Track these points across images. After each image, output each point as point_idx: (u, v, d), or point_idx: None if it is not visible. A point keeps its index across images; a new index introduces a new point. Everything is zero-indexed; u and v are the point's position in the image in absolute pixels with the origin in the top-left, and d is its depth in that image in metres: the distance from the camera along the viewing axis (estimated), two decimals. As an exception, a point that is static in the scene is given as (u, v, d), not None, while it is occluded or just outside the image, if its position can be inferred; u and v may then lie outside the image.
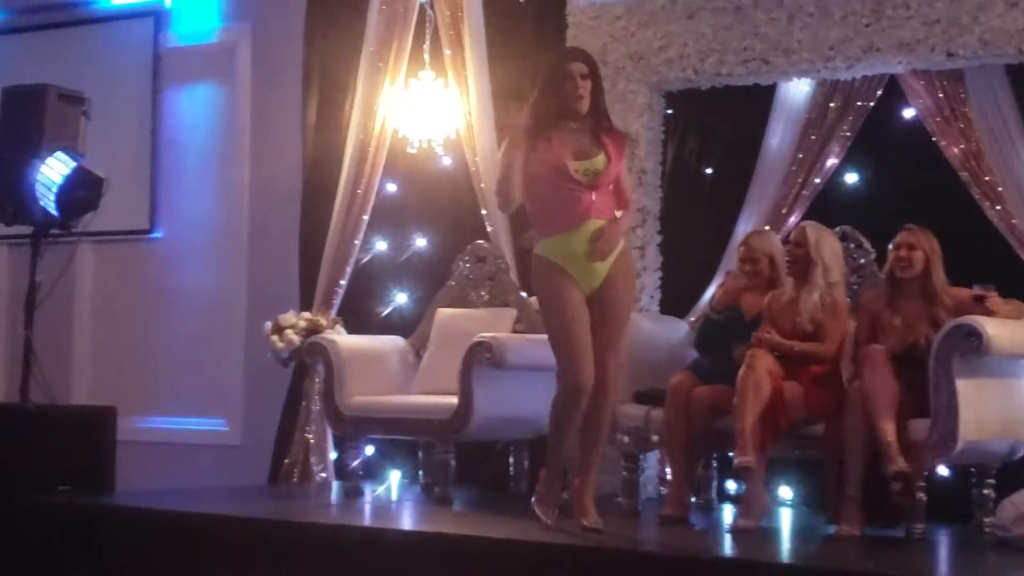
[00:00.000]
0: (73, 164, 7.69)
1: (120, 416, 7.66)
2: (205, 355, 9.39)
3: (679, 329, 7.04)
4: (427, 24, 8.32)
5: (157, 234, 9.64)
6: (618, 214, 5.93)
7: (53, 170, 7.64)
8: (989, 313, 6.03)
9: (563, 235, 5.86)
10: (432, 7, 8.31)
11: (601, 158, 5.85)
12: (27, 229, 7.78)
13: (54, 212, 7.65)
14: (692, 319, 7.21)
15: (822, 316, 6.32)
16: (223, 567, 6.22)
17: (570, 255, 5.85)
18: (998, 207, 6.80)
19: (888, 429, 5.86)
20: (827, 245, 6.41)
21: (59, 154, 7.67)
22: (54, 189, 7.61)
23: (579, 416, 5.89)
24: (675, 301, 7.48)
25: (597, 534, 5.70)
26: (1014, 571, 5.28)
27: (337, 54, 8.62)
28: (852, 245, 6.87)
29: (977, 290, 6.16)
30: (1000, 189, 6.80)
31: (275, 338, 8.13)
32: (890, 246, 6.29)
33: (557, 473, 6.06)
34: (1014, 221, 6.76)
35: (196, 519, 6.45)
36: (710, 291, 7.18)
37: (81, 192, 7.73)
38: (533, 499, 6.11)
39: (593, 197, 5.82)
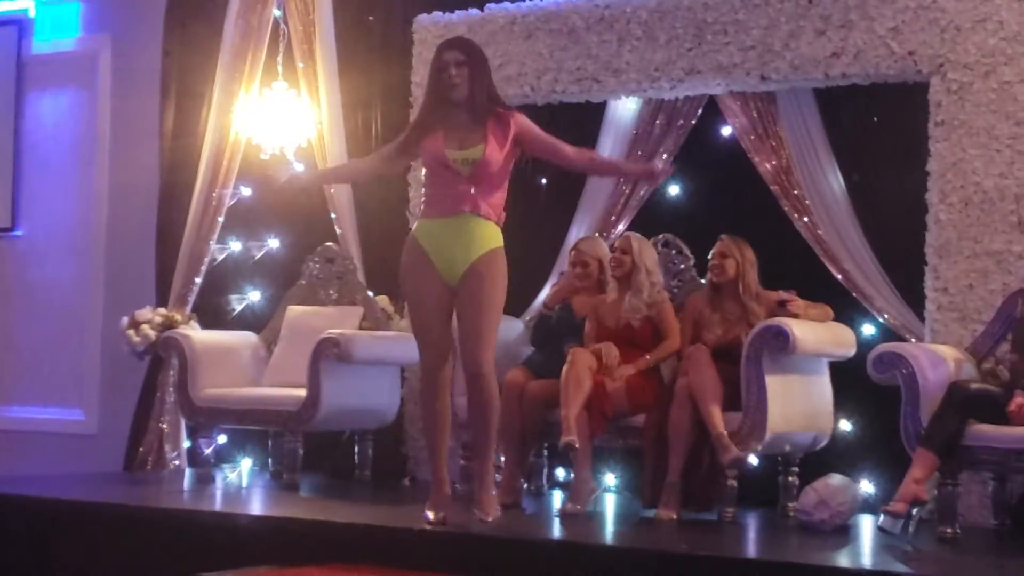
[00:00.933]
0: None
1: (-21, 406, 7.52)
2: (64, 348, 9.23)
3: (515, 327, 7.08)
4: (281, 37, 8.27)
5: (18, 231, 9.45)
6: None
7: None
8: (793, 315, 6.18)
9: (435, 220, 5.60)
10: (286, 22, 8.27)
11: (480, 148, 5.49)
12: None
13: (-83, 211, 7.48)
14: (527, 318, 7.26)
15: (651, 313, 6.45)
16: (78, 552, 6.13)
17: (436, 241, 5.58)
18: (805, 219, 6.95)
19: (718, 421, 5.98)
20: (649, 253, 6.58)
21: (-78, 155, 7.51)
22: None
23: (438, 410, 5.68)
24: (511, 301, 7.48)
25: (485, 526, 5.54)
26: (815, 551, 5.40)
27: (194, 64, 8.52)
28: (673, 252, 6.98)
29: (781, 295, 6.32)
30: (807, 202, 6.95)
31: (131, 332, 8.03)
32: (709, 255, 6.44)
33: (433, 468, 5.79)
34: (820, 231, 6.91)
35: (51, 504, 6.35)
36: (545, 291, 7.26)
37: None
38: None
39: (472, 190, 5.51)
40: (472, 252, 5.54)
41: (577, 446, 6.09)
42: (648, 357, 6.44)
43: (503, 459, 6.45)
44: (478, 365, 5.56)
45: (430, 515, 5.64)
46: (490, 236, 5.58)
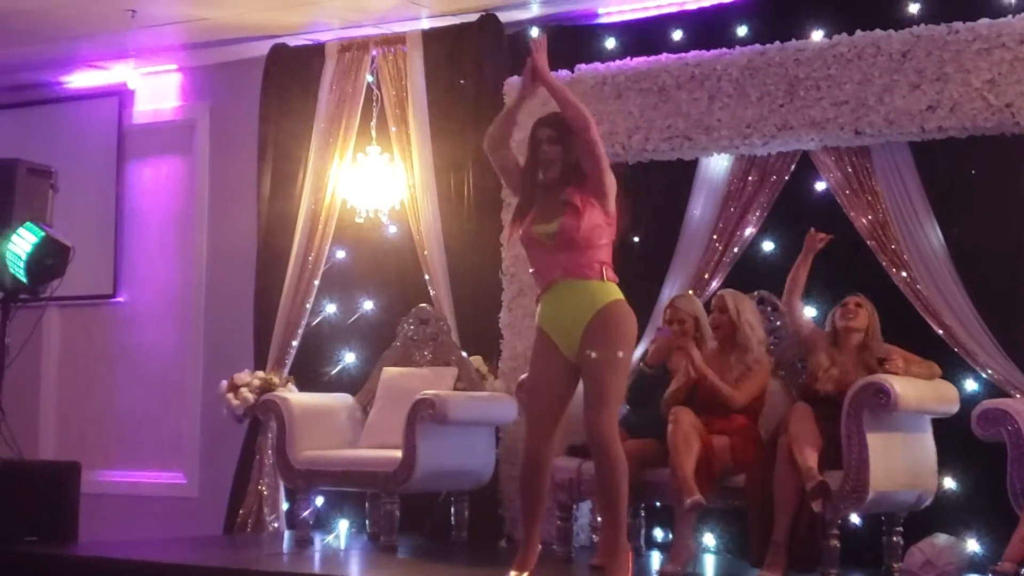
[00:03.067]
0: (41, 234, 7.65)
1: (84, 470, 7.59)
2: (164, 412, 9.30)
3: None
4: (374, 103, 8.33)
5: (120, 298, 9.55)
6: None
7: (23, 239, 7.61)
8: (894, 372, 6.07)
9: (543, 297, 5.53)
10: (379, 87, 8.32)
11: (556, 222, 5.41)
12: (-2, 295, 7.72)
13: (23, 279, 7.61)
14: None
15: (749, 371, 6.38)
16: (180, 614, 6.13)
17: (550, 317, 5.50)
18: (904, 273, 6.82)
19: (809, 457, 5.89)
20: (747, 308, 6.50)
21: (28, 225, 7.64)
22: (23, 258, 7.58)
23: (533, 475, 5.54)
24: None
25: None
26: (922, 613, 5.26)
27: (290, 130, 8.59)
28: (769, 308, 6.89)
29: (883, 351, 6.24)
30: (905, 257, 6.82)
31: (230, 396, 8.05)
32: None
33: (524, 530, 5.66)
34: (919, 287, 6.77)
35: (154, 568, 6.39)
36: (641, 349, 7.16)
37: (49, 260, 7.69)
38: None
39: (560, 258, 5.43)
40: (583, 316, 5.42)
41: (704, 504, 5.97)
42: (709, 374, 6.34)
43: (600, 519, 6.34)
44: (598, 431, 5.41)
45: (512, 574, 5.53)
46: (599, 293, 5.45)
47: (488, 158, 5.81)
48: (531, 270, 5.71)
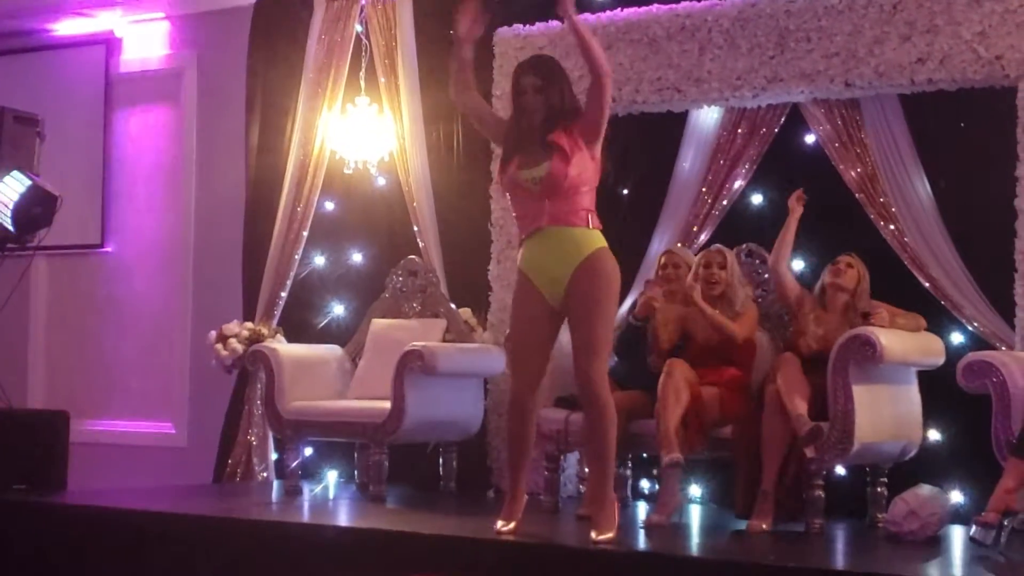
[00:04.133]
0: (28, 183, 7.66)
1: (72, 419, 7.64)
2: (153, 362, 9.33)
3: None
4: (363, 53, 8.32)
5: (108, 248, 9.57)
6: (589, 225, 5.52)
7: (9, 188, 7.61)
8: (878, 325, 6.12)
9: (527, 242, 5.54)
10: (367, 37, 8.31)
11: (544, 165, 5.41)
12: (-16, 244, 7.74)
13: (10, 228, 7.62)
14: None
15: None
16: (169, 562, 6.18)
17: (533, 263, 5.52)
18: (892, 226, 6.85)
19: (799, 405, 5.94)
20: (738, 267, 6.54)
21: (15, 173, 7.64)
22: (10, 206, 7.59)
23: (519, 424, 5.61)
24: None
25: (606, 545, 5.35)
26: (905, 563, 5.32)
27: (278, 81, 8.58)
28: (757, 261, 6.92)
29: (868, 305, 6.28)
30: (894, 210, 6.85)
31: (219, 346, 8.09)
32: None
33: (510, 480, 5.74)
34: (907, 239, 6.81)
35: (143, 516, 6.42)
36: (629, 301, 7.20)
37: (36, 209, 7.70)
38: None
39: (545, 204, 5.43)
40: (569, 264, 5.44)
41: (683, 462, 6.04)
42: (707, 309, 6.37)
43: (587, 470, 6.40)
44: (588, 381, 5.45)
45: (499, 524, 5.60)
46: (585, 240, 5.47)
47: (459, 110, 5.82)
48: (514, 215, 5.72)
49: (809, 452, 5.96)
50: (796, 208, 6.47)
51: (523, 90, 5.54)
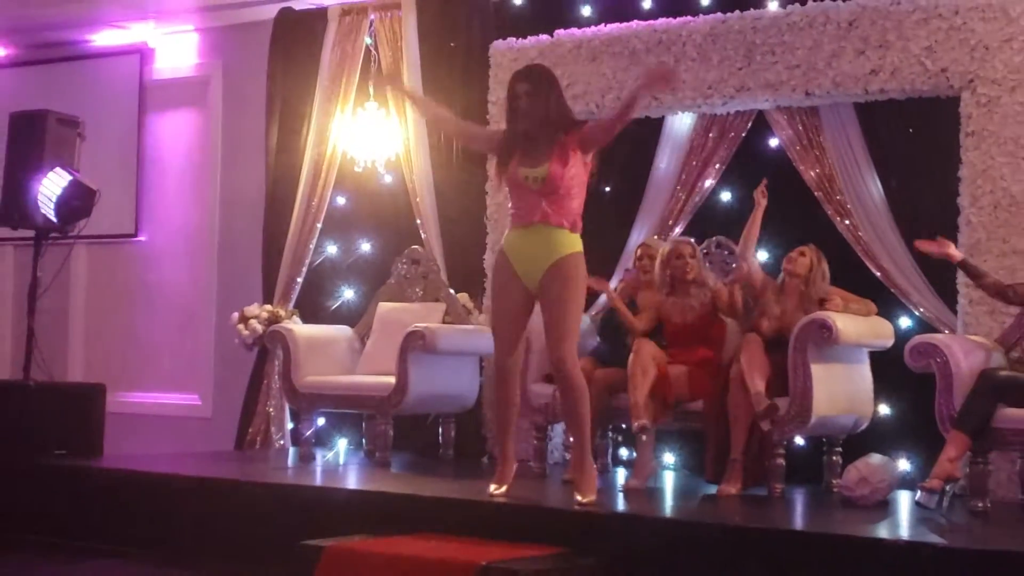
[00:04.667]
0: (69, 178, 7.64)
1: (108, 392, 7.63)
2: (181, 340, 9.31)
3: (584, 321, 7.02)
4: (372, 62, 8.30)
5: (141, 237, 9.54)
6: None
7: (52, 183, 7.59)
8: (833, 310, 6.11)
9: (517, 230, 5.57)
10: (376, 49, 8.29)
11: (545, 167, 5.44)
12: (30, 233, 7.79)
13: (53, 219, 7.62)
14: (594, 312, 7.20)
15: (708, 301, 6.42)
16: (194, 521, 6.17)
17: (517, 249, 5.56)
18: (847, 221, 6.84)
19: (758, 383, 5.93)
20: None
21: (57, 170, 7.63)
22: (53, 199, 7.58)
23: (503, 393, 5.65)
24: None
25: (589, 507, 5.37)
26: (857, 524, 5.31)
27: (295, 87, 8.55)
28: (726, 252, 6.91)
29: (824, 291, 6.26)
30: (849, 207, 6.84)
31: (241, 327, 8.08)
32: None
33: (500, 446, 5.75)
34: (860, 233, 6.80)
35: (172, 479, 6.43)
36: (612, 285, 7.17)
37: (76, 202, 7.67)
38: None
39: (543, 202, 5.47)
40: (548, 258, 5.50)
41: (649, 427, 6.03)
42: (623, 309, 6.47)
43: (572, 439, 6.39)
44: (561, 359, 5.49)
45: (492, 488, 5.62)
46: (565, 243, 5.52)
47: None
48: (511, 207, 5.70)
49: (765, 426, 5.96)
50: (761, 201, 6.44)
51: (517, 95, 5.56)
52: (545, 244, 5.51)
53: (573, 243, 5.54)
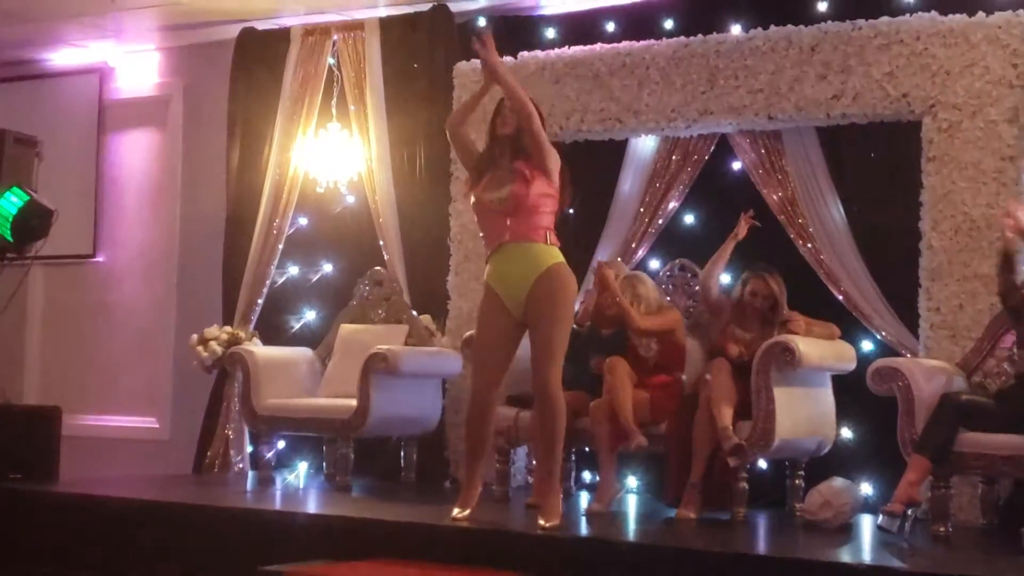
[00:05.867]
0: (27, 197, 7.57)
1: (64, 414, 7.53)
2: (139, 362, 9.24)
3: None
4: (335, 83, 8.29)
5: (99, 258, 9.48)
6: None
7: (9, 203, 7.51)
8: (795, 333, 6.13)
9: (493, 257, 5.54)
10: (339, 69, 8.29)
11: (507, 188, 5.44)
12: (-15, 253, 7.67)
13: (10, 239, 7.53)
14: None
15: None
16: (152, 546, 6.11)
17: (497, 276, 5.51)
18: (809, 245, 6.89)
19: (724, 416, 5.93)
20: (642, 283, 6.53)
21: (15, 189, 7.56)
22: (10, 219, 7.50)
23: (478, 421, 5.59)
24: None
25: (552, 531, 5.34)
26: (819, 548, 5.32)
27: (257, 107, 8.53)
28: (688, 275, 6.94)
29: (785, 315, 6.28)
30: (811, 230, 6.89)
31: (200, 348, 8.02)
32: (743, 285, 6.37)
33: (467, 471, 5.76)
34: (822, 257, 6.85)
35: (128, 504, 6.35)
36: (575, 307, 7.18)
37: (34, 222, 7.62)
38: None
39: (508, 222, 5.45)
40: (530, 275, 5.44)
41: (645, 445, 6.02)
42: (620, 298, 6.37)
43: (535, 463, 6.38)
44: (544, 382, 5.44)
45: (455, 511, 5.59)
46: (543, 255, 5.47)
47: (448, 136, 5.83)
48: (481, 235, 5.70)
49: (732, 463, 5.94)
50: (741, 231, 6.46)
51: (501, 107, 5.58)
52: (523, 261, 5.47)
53: (552, 255, 5.50)
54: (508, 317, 5.51)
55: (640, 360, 6.41)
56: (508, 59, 7.56)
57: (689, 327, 6.70)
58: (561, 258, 5.52)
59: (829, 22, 6.80)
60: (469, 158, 5.77)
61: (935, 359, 6.19)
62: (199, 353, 8.02)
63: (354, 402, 7.03)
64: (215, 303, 8.54)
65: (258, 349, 7.73)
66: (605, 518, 5.99)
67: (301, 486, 7.39)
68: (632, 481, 7.17)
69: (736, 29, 7.14)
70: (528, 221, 5.47)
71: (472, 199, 5.63)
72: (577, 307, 7.01)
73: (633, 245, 7.35)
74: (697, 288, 6.85)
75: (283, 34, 8.49)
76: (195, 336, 8.10)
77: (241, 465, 8.17)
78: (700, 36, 7.11)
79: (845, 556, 5.16)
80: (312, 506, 6.61)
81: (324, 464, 7.75)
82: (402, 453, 7.50)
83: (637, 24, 7.49)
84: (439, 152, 7.76)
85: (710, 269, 6.52)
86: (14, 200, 7.53)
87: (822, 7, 7.02)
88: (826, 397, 6.38)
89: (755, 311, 6.33)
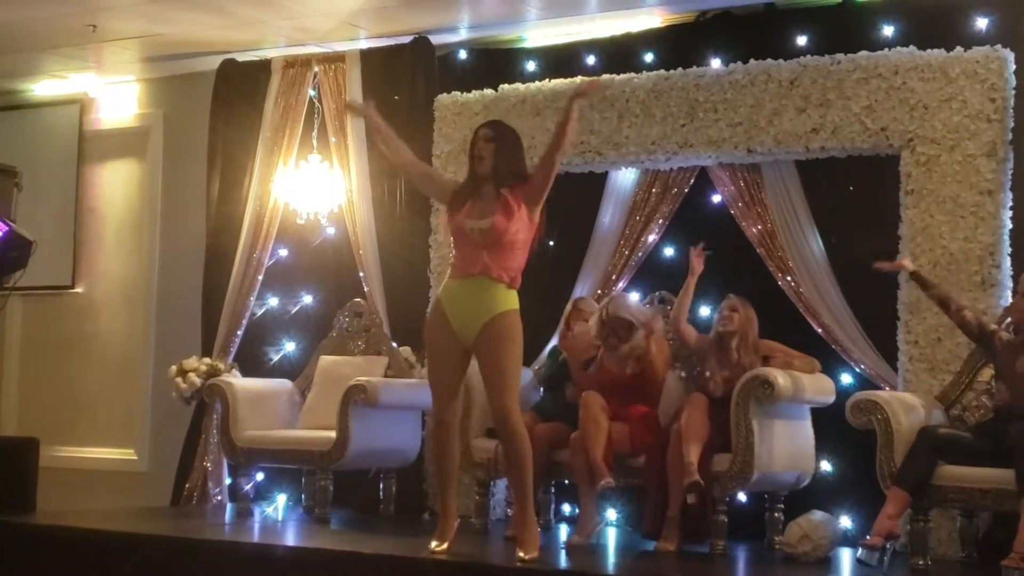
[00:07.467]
0: (5, 228, 7.54)
1: (42, 446, 7.47)
2: (118, 394, 9.22)
3: (525, 375, 7.04)
4: (316, 115, 8.32)
5: (78, 289, 9.47)
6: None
7: (-13, 233, 7.48)
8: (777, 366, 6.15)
9: (455, 280, 5.56)
10: (320, 101, 8.31)
11: (489, 220, 5.45)
12: (-37, 284, 7.63)
13: (-12, 269, 7.50)
14: (536, 367, 7.21)
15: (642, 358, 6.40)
16: (130, 578, 6.09)
17: (454, 302, 5.54)
18: (788, 278, 6.92)
19: (691, 451, 5.93)
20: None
21: (-7, 219, 7.52)
22: (-12, 250, 7.47)
23: (442, 446, 5.63)
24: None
25: (532, 564, 5.33)
26: (798, 581, 5.35)
27: (237, 138, 8.55)
28: (668, 307, 6.94)
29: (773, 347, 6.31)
30: (790, 263, 6.93)
31: (179, 380, 8.01)
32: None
33: (441, 503, 5.75)
34: (801, 290, 6.88)
35: (107, 536, 6.32)
36: (554, 341, 7.19)
37: (12, 252, 7.56)
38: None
39: (485, 255, 5.47)
40: (483, 315, 5.48)
41: (613, 485, 6.02)
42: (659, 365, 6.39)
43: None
44: (503, 414, 5.47)
45: (433, 544, 5.59)
46: (501, 300, 5.50)
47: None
48: (453, 255, 5.71)
49: (690, 499, 5.94)
50: (697, 267, 6.48)
51: (476, 140, 5.61)
52: (481, 299, 5.49)
53: (509, 300, 5.53)
54: (454, 338, 5.55)
55: (615, 388, 6.35)
56: (489, 91, 7.62)
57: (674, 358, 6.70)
58: (516, 305, 5.54)
59: (808, 56, 6.86)
60: (437, 188, 5.84)
61: (914, 392, 6.22)
62: (178, 385, 8.01)
63: (333, 434, 7.02)
64: (194, 334, 8.53)
65: (237, 381, 7.72)
66: (585, 551, 5.98)
67: (280, 518, 7.36)
68: (612, 514, 7.16)
69: (716, 63, 7.19)
70: (501, 259, 5.50)
71: (453, 223, 5.63)
72: (554, 343, 7.02)
73: (613, 277, 7.37)
74: (669, 332, 6.84)
75: (264, 65, 8.52)
76: (174, 367, 8.08)
77: (220, 497, 8.15)
78: (680, 69, 7.16)
79: (824, 589, 5.17)
80: (291, 538, 6.59)
81: (303, 496, 7.73)
82: (381, 485, 7.49)
83: (617, 57, 7.54)
84: (419, 183, 7.78)
85: (677, 315, 6.52)
86: (-7, 231, 7.51)
87: (801, 41, 7.07)
88: (805, 430, 6.40)
89: (730, 345, 6.33)
